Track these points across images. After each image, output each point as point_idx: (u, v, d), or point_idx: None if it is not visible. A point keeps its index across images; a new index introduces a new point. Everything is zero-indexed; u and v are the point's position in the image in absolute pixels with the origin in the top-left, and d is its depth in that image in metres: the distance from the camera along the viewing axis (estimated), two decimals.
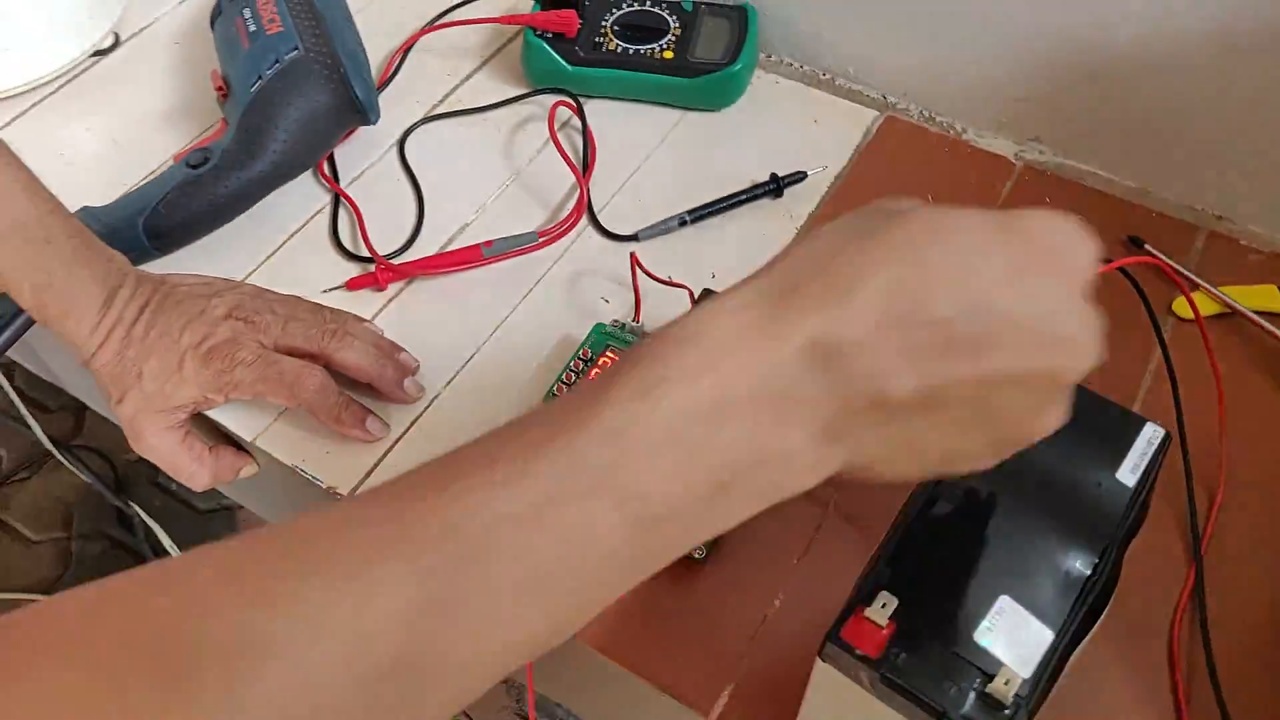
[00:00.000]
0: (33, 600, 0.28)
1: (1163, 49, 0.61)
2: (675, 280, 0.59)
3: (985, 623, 0.37)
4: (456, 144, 0.72)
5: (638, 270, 0.60)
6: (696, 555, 0.51)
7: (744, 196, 0.66)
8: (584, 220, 0.66)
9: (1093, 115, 0.67)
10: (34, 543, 1.38)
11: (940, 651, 0.36)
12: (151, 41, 0.78)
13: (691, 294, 0.59)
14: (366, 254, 0.64)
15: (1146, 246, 0.64)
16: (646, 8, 0.74)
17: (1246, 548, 0.52)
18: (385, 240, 0.66)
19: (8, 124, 0.73)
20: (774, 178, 0.67)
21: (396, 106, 0.73)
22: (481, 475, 0.28)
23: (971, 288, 0.29)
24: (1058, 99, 0.67)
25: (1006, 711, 0.35)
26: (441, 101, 0.75)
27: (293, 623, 0.26)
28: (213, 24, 0.71)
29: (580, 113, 0.71)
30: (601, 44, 0.72)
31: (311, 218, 0.67)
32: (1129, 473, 0.41)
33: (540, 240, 0.63)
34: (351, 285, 0.62)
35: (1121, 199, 0.68)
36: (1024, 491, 0.40)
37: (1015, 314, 0.29)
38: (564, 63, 0.71)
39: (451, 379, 0.59)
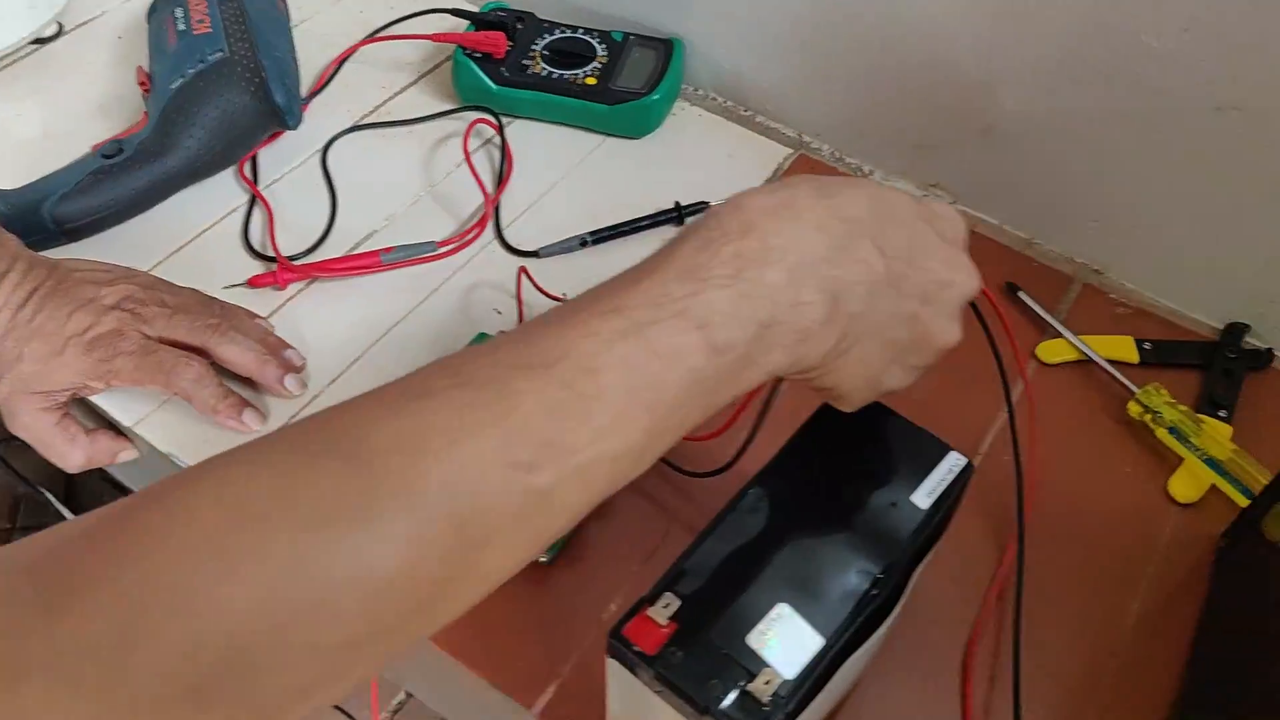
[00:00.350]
0: None
1: (1044, 114, 0.64)
2: (565, 297, 0.62)
3: (761, 626, 0.39)
4: (378, 154, 0.75)
5: (523, 283, 0.62)
6: (543, 559, 0.53)
7: (646, 222, 0.69)
8: (489, 234, 0.69)
9: (986, 168, 0.69)
10: None
11: (714, 651, 0.38)
12: (94, 33, 0.81)
13: None
14: (272, 254, 0.66)
15: (1020, 294, 0.66)
16: (579, 35, 0.77)
17: (1052, 581, 0.54)
18: (295, 242, 0.68)
19: None
20: (676, 206, 0.69)
21: (328, 114, 0.76)
22: (590, 310, 0.34)
23: (910, 227, 0.40)
24: (954, 150, 0.70)
25: (765, 709, 0.37)
26: (372, 112, 0.77)
27: (448, 420, 0.31)
28: (149, 20, 0.74)
29: (500, 131, 0.74)
30: (528, 67, 0.75)
31: (226, 215, 0.70)
32: (924, 496, 0.43)
33: (439, 251, 0.66)
34: (253, 282, 0.65)
35: (1009, 247, 0.70)
36: (825, 507, 0.42)
37: (938, 247, 0.40)
38: (489, 82, 0.74)
39: (336, 378, 0.61)
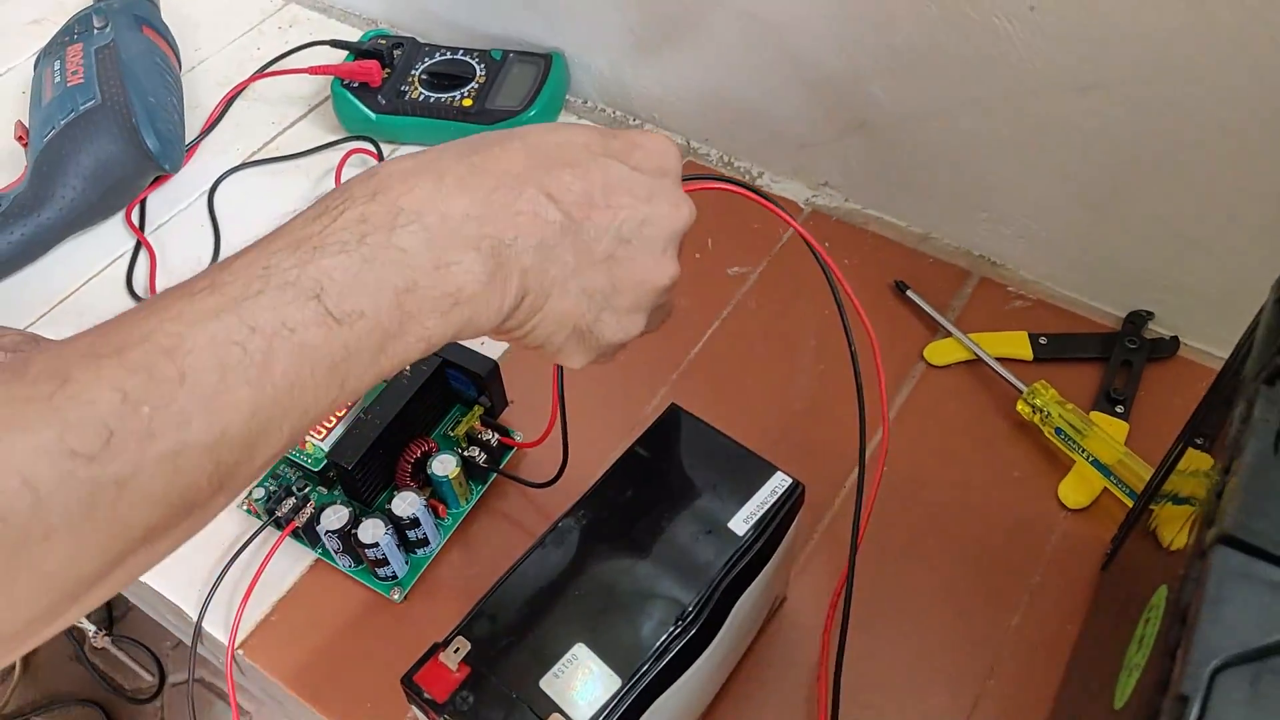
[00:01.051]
0: None
1: (914, 105, 0.62)
2: None
3: (555, 669, 0.38)
4: (264, 191, 0.74)
5: None
6: (396, 599, 0.52)
7: None
8: None
9: (870, 164, 0.68)
10: None
11: (504, 697, 0.37)
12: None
13: None
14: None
15: (909, 293, 0.64)
16: (459, 57, 0.76)
17: (924, 595, 0.52)
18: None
19: None
20: None
21: (218, 153, 0.76)
22: (183, 290, 0.31)
23: (590, 165, 0.37)
24: (836, 147, 0.68)
25: None
26: (262, 148, 0.77)
27: (12, 413, 0.28)
28: (33, 75, 0.74)
29: (380, 158, 0.73)
30: (406, 93, 0.74)
31: (112, 263, 0.70)
32: (742, 522, 0.42)
33: None
34: None
35: (902, 244, 0.69)
36: (636, 537, 0.41)
37: (632, 182, 0.38)
38: (368, 111, 0.74)
39: None
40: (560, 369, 0.45)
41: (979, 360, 0.61)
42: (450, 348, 0.56)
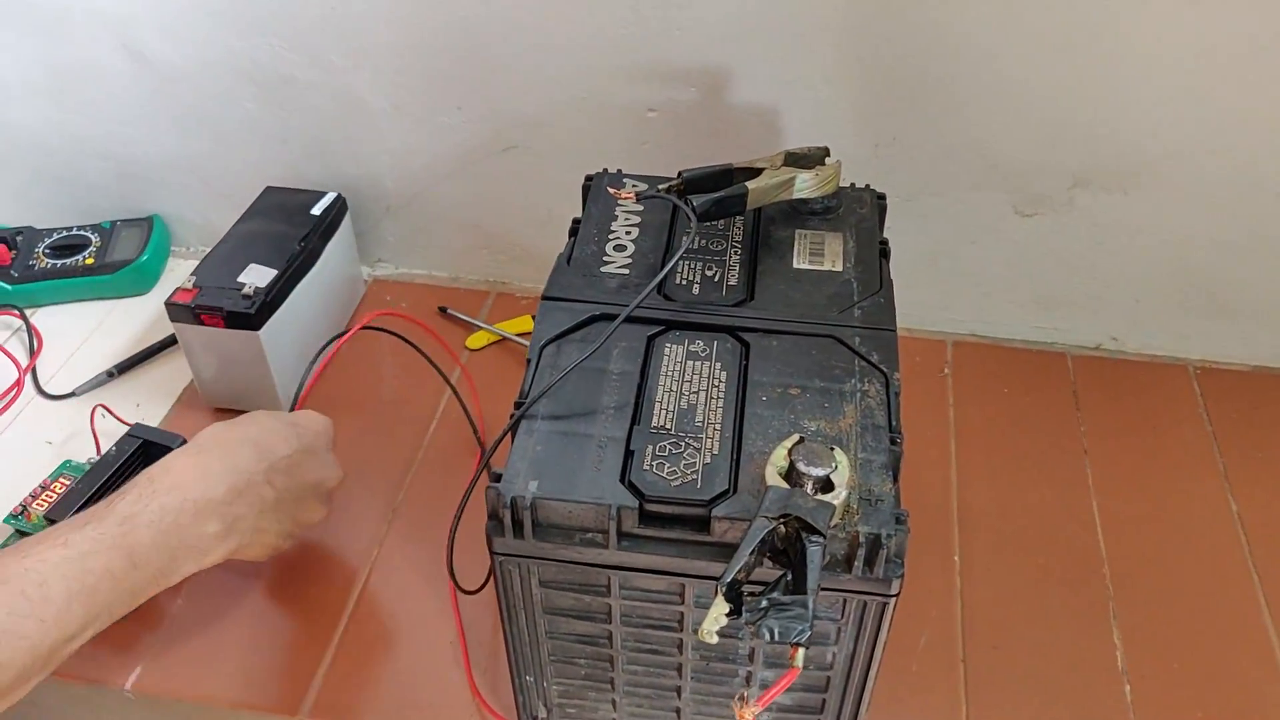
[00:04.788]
0: None
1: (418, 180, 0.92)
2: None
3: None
4: None
5: (96, 415, 0.79)
6: None
7: (155, 348, 0.89)
8: (31, 391, 0.86)
9: (402, 236, 0.96)
10: None
11: None
12: None
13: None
14: None
15: (448, 310, 0.93)
16: (74, 233, 0.96)
17: None
18: None
19: None
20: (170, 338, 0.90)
21: None
22: (50, 540, 0.53)
23: (291, 458, 0.64)
24: (374, 231, 0.96)
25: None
26: None
27: None
28: None
29: (24, 317, 0.92)
30: (34, 265, 0.94)
31: None
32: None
33: None
34: None
35: (440, 286, 0.97)
36: None
37: (313, 461, 0.66)
38: (2, 284, 0.92)
39: None
40: None
41: (503, 339, 0.90)
42: (147, 430, 0.73)
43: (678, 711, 0.56)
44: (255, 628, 0.69)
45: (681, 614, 0.50)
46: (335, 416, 0.71)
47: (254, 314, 0.77)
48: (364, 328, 0.74)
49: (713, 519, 0.45)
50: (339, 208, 0.89)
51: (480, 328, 0.91)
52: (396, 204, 0.93)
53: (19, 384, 0.86)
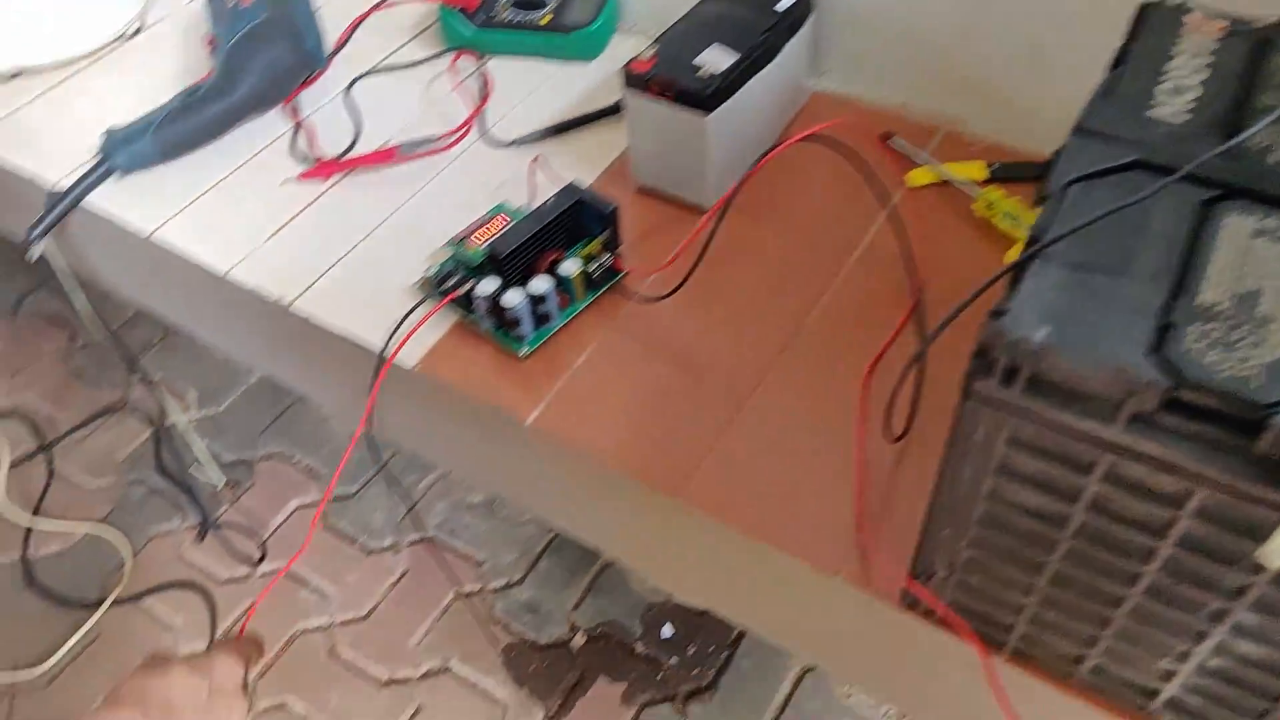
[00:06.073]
0: None
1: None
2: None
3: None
4: (390, 88, 0.95)
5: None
6: (521, 354, 0.72)
7: (594, 115, 0.89)
8: (475, 135, 0.89)
9: (858, 50, 0.89)
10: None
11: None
12: (164, 31, 1.04)
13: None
14: (315, 160, 0.87)
15: (893, 139, 0.86)
16: None
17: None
18: (331, 153, 0.88)
19: (59, 84, 0.98)
20: (616, 104, 0.89)
21: (348, 63, 0.97)
22: None
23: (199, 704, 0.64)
24: (830, 39, 0.89)
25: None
26: (382, 61, 0.98)
27: None
28: (209, 2, 0.96)
29: (480, 60, 0.95)
30: (496, 14, 0.96)
31: (278, 138, 0.91)
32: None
33: (439, 145, 0.86)
34: (303, 176, 0.85)
35: (886, 111, 0.90)
36: None
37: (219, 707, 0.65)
38: (468, 25, 0.95)
39: (373, 230, 0.81)
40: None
41: (947, 182, 0.82)
42: (583, 190, 0.74)
43: (1103, 621, 0.50)
44: (654, 400, 0.70)
45: (1171, 520, 0.43)
46: (755, 221, 0.67)
47: (707, 96, 0.74)
48: (809, 137, 0.68)
49: (1268, 426, 0.37)
50: (804, 6, 0.83)
51: (929, 164, 0.83)
52: (864, 12, 0.86)
53: (467, 125, 0.89)
